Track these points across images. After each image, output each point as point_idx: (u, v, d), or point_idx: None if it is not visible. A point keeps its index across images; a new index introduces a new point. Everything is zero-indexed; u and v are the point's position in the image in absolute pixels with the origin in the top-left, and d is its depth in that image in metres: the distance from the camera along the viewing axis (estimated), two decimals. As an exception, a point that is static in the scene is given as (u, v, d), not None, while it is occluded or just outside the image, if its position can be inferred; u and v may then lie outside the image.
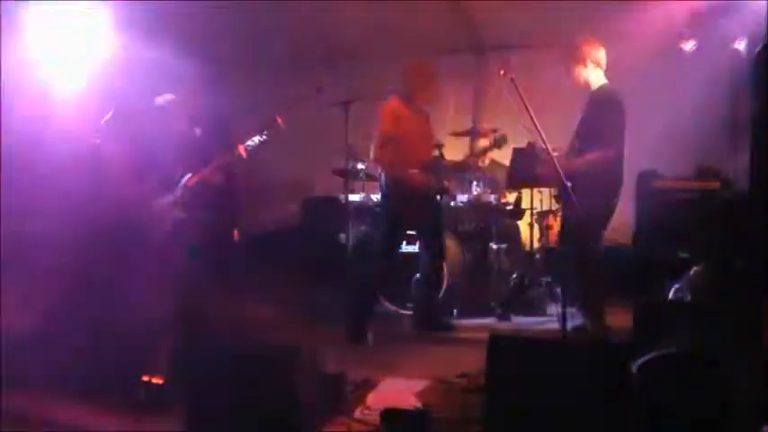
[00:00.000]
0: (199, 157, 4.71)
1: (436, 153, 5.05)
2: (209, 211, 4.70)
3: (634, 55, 6.00)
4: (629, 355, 2.65)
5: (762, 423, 2.63)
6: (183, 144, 4.80)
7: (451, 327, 5.08)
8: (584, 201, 3.86)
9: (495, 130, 6.23)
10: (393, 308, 5.46)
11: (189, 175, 4.59)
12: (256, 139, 4.47)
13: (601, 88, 4.43)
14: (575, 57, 4.42)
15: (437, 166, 4.89)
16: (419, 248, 5.21)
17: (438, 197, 5.07)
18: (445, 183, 5.04)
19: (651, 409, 2.56)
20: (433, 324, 5.02)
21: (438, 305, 5.17)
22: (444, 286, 5.36)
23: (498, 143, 4.86)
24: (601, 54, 4.45)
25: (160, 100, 4.72)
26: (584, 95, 4.51)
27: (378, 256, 4.86)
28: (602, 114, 4.30)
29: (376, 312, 5.08)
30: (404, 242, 5.28)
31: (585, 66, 4.42)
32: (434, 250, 5.00)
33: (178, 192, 4.60)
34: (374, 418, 3.14)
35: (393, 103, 4.75)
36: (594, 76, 4.43)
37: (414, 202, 4.69)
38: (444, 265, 5.34)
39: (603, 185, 4.05)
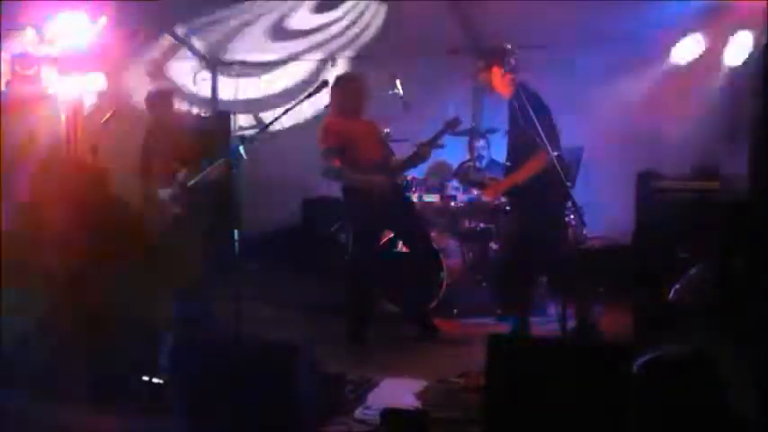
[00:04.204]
0: (205, 144, 4.81)
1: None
2: (209, 212, 4.71)
3: (634, 55, 6.01)
4: (629, 355, 2.65)
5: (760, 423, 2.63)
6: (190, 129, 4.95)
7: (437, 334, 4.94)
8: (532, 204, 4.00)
9: (494, 130, 6.26)
10: (394, 308, 5.43)
11: (184, 171, 4.60)
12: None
13: (522, 89, 4.36)
14: (493, 63, 4.38)
15: (388, 165, 4.89)
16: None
17: (402, 195, 5.06)
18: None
19: (651, 409, 2.56)
20: (422, 328, 4.92)
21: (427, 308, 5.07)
22: (444, 286, 5.36)
23: (450, 126, 4.83)
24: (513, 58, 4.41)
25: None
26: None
27: (361, 258, 4.86)
28: (530, 115, 4.25)
29: (376, 312, 5.07)
30: (381, 242, 5.23)
31: (504, 70, 4.37)
32: (418, 250, 4.97)
33: (176, 188, 4.62)
34: (374, 418, 3.14)
35: (328, 120, 4.87)
36: (512, 79, 4.38)
37: (371, 204, 4.70)
38: (443, 264, 5.34)
39: (547, 187, 4.00)
